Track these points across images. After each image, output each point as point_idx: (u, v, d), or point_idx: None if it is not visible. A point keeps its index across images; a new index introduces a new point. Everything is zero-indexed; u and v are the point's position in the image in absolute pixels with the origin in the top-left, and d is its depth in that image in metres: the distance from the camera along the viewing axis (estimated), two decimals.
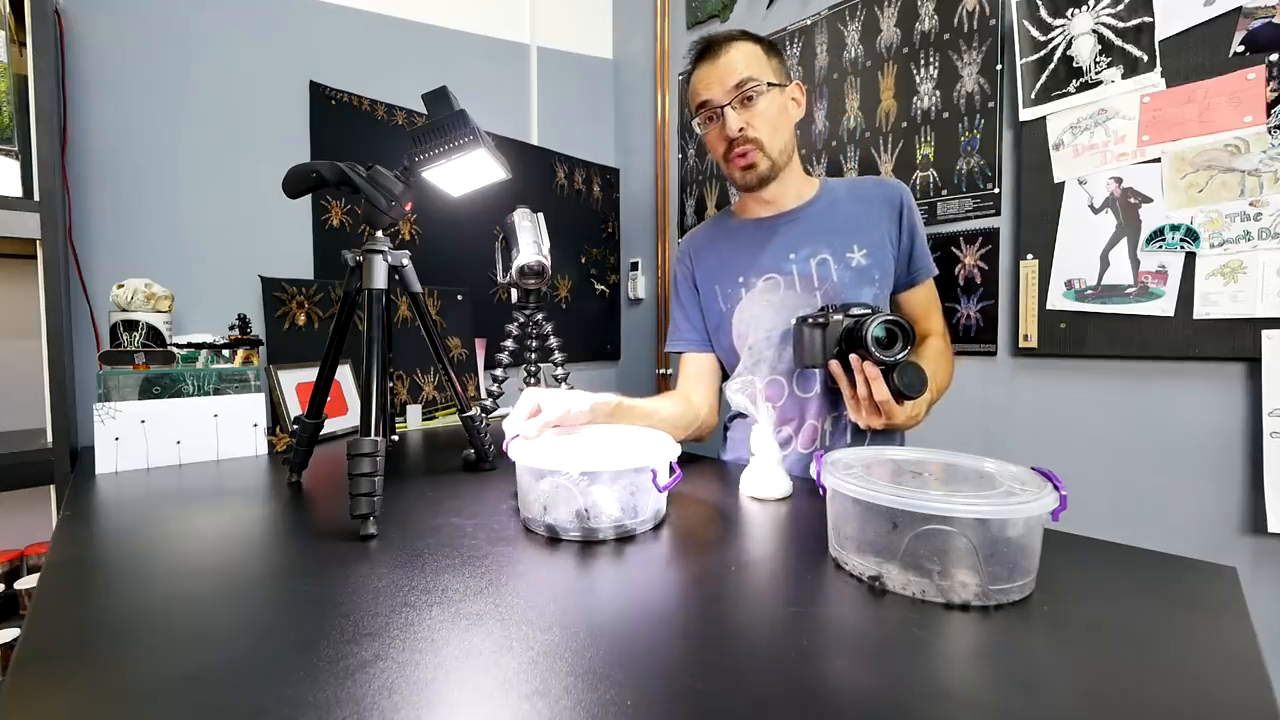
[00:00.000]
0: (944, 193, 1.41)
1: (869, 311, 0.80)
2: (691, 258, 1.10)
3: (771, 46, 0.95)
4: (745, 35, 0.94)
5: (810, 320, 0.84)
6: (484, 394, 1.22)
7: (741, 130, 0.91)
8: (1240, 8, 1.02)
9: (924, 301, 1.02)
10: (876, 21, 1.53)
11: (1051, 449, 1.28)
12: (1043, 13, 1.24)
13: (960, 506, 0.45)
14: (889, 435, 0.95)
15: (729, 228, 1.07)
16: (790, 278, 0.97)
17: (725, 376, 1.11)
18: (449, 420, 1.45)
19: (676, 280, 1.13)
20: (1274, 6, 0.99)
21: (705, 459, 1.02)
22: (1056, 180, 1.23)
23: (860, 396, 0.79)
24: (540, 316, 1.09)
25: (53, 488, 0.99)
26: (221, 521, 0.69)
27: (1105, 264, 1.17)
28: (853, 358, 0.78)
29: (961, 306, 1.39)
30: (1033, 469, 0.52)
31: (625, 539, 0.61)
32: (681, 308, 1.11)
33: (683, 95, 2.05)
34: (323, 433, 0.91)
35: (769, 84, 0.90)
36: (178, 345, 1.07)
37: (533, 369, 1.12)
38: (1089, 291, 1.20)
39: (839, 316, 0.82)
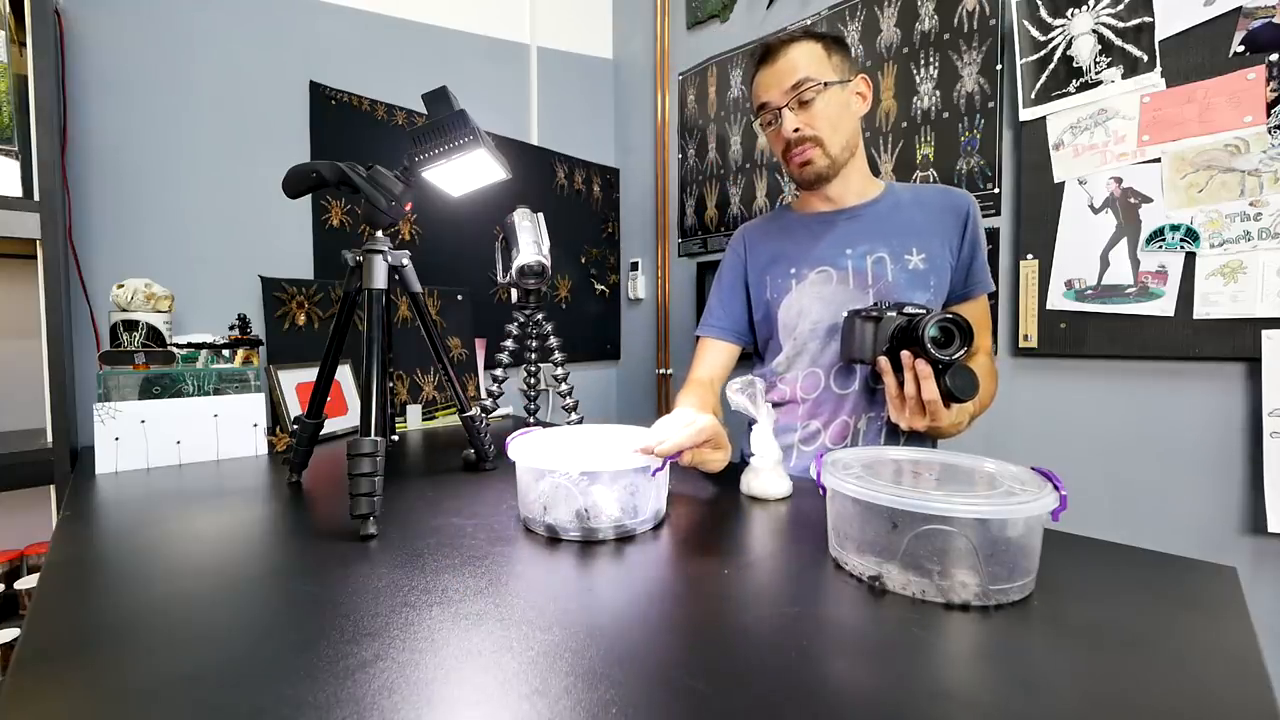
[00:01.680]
0: None
1: (924, 311, 0.78)
2: (746, 247, 1.08)
3: (835, 42, 0.93)
4: (806, 35, 0.93)
5: (863, 314, 0.83)
6: (484, 394, 1.22)
7: (797, 131, 0.91)
8: (1240, 8, 1.02)
9: (976, 317, 0.96)
10: (876, 21, 1.53)
11: (1051, 449, 1.28)
12: (1043, 13, 1.24)
13: (960, 506, 0.45)
14: (923, 441, 0.94)
15: (787, 221, 1.06)
16: (844, 272, 0.95)
17: (761, 359, 1.09)
18: (449, 420, 1.45)
19: (724, 266, 1.11)
20: (1274, 6, 0.99)
21: None
22: (1056, 180, 1.23)
23: (908, 395, 0.77)
24: (540, 316, 1.09)
25: (53, 488, 0.99)
26: (221, 521, 0.69)
27: (1105, 264, 1.17)
28: (904, 354, 0.76)
29: None
30: (1033, 469, 0.52)
31: (625, 539, 0.61)
32: (720, 292, 1.09)
33: (683, 95, 2.05)
34: (323, 433, 0.91)
35: (827, 83, 0.90)
36: (178, 345, 1.07)
37: (533, 369, 1.12)
38: (1089, 291, 1.20)
39: (892, 313, 0.81)
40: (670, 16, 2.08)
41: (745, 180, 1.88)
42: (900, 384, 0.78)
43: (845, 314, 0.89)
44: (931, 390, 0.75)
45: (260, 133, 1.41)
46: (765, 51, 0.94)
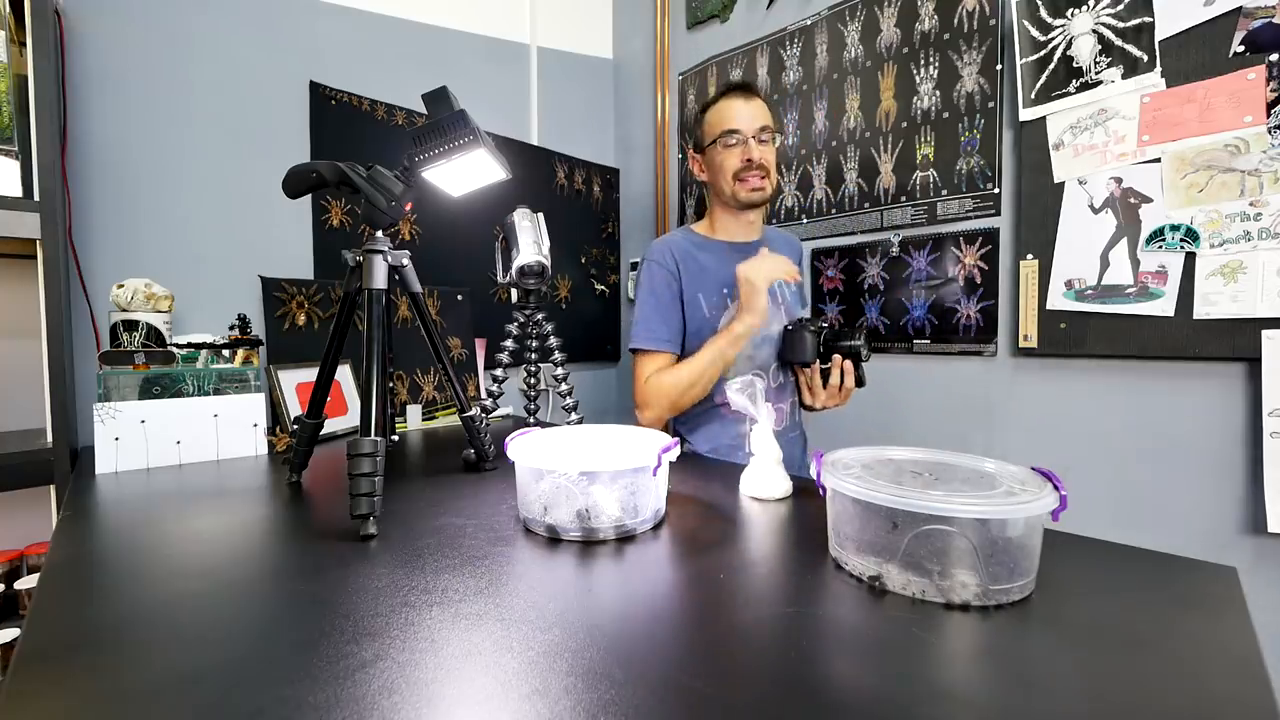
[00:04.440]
0: (944, 193, 1.41)
1: (840, 323, 1.09)
2: (677, 261, 1.14)
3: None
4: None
5: (807, 327, 1.08)
6: (484, 394, 1.22)
7: (762, 159, 1.12)
8: (1240, 8, 1.02)
9: None
10: (876, 21, 1.53)
11: (1051, 449, 1.27)
12: (1043, 13, 1.23)
13: (960, 506, 0.45)
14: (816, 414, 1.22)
15: (706, 244, 1.20)
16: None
17: None
18: (449, 420, 1.45)
19: (654, 279, 1.14)
20: (1274, 6, 0.99)
21: (705, 459, 1.02)
22: (1056, 180, 1.23)
23: (832, 385, 1.08)
24: (540, 316, 1.09)
25: (53, 488, 0.99)
26: (221, 521, 0.69)
27: (1105, 264, 1.17)
28: (835, 357, 1.06)
29: (961, 306, 1.39)
30: (1033, 469, 0.52)
31: (625, 539, 0.61)
32: (661, 307, 1.13)
33: (683, 95, 2.05)
34: (323, 433, 0.91)
35: (778, 136, 1.17)
36: (178, 345, 1.07)
37: (533, 369, 1.12)
38: (1089, 291, 1.20)
39: (824, 324, 1.08)
40: (670, 16, 2.08)
41: None
42: (827, 378, 1.08)
43: (787, 325, 1.12)
44: (851, 381, 1.07)
45: (260, 133, 1.41)
46: (745, 89, 1.16)
